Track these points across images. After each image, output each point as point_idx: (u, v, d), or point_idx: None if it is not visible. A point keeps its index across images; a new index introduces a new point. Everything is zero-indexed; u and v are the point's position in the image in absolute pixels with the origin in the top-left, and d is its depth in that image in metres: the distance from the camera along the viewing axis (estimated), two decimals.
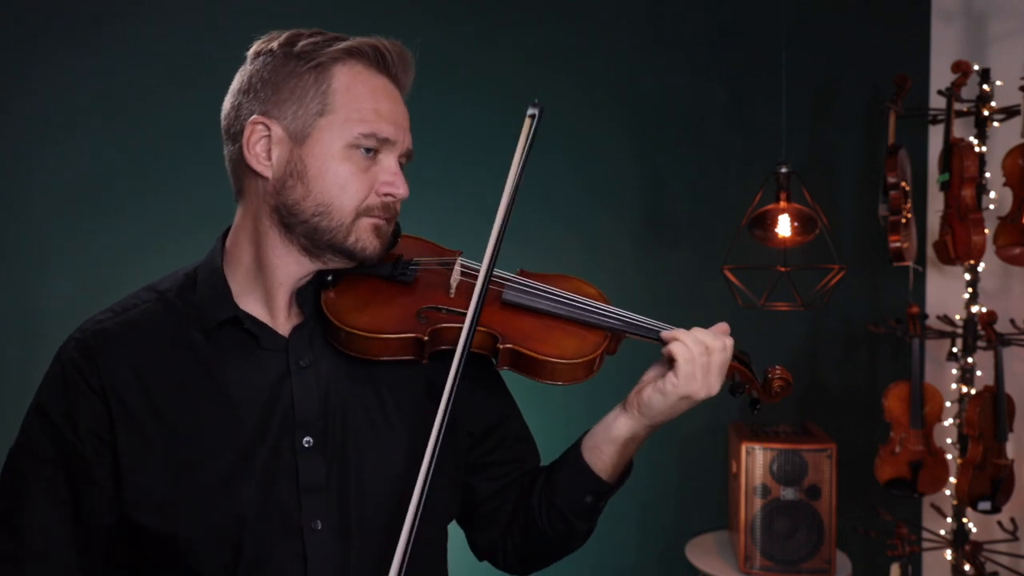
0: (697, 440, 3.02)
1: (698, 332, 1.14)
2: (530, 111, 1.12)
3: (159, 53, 2.61)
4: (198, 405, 1.08)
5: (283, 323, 1.14)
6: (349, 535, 1.09)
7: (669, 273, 3.00)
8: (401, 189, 1.13)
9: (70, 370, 1.08)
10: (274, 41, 1.11)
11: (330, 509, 1.09)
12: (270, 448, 1.08)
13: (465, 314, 1.08)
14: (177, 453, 1.06)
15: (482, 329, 1.11)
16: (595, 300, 1.19)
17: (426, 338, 1.09)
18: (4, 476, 1.10)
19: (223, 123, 1.13)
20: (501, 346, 1.10)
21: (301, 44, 1.09)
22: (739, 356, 1.19)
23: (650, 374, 1.18)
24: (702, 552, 2.79)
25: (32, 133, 2.56)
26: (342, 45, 1.10)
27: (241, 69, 1.13)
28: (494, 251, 1.10)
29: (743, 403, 2.98)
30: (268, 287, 1.13)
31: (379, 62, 1.12)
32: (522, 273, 1.22)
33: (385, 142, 1.11)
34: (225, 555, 1.05)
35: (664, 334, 1.15)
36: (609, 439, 1.17)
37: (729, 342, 1.15)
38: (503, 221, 1.11)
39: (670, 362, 1.13)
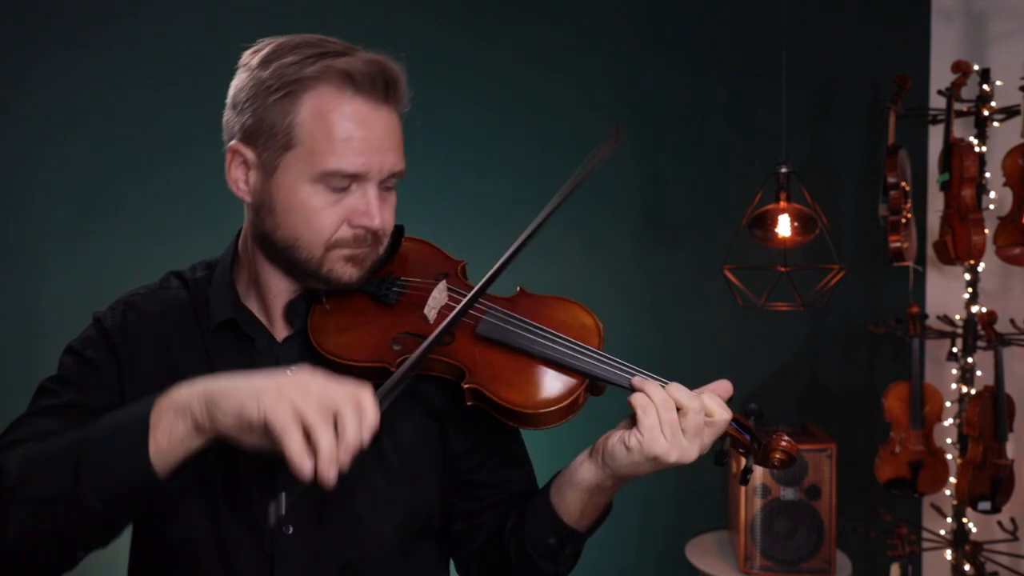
0: None
1: (673, 388, 1.02)
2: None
3: (159, 53, 2.61)
4: None
5: (280, 330, 1.16)
6: (321, 542, 1.10)
7: (669, 273, 3.00)
8: (376, 221, 1.08)
9: (101, 330, 1.15)
10: (257, 55, 1.08)
11: (305, 516, 1.10)
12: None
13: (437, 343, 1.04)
14: None
15: (451, 360, 1.07)
16: (588, 331, 1.11)
17: (394, 369, 1.05)
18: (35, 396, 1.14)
19: (223, 133, 1.14)
20: (465, 385, 1.05)
21: (273, 68, 1.05)
22: (740, 422, 1.07)
23: (624, 422, 1.07)
24: (702, 552, 2.79)
25: (32, 133, 2.56)
26: (311, 70, 1.04)
27: (233, 79, 1.12)
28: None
29: (743, 399, 2.98)
30: (264, 296, 1.16)
31: (351, 83, 1.05)
32: (521, 292, 1.17)
33: (355, 176, 1.06)
34: (195, 549, 1.09)
35: (634, 381, 1.04)
36: (572, 483, 1.09)
37: (720, 414, 1.02)
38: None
39: (634, 415, 1.02)
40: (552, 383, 1.06)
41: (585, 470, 1.08)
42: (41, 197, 2.58)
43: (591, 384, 1.07)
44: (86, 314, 1.19)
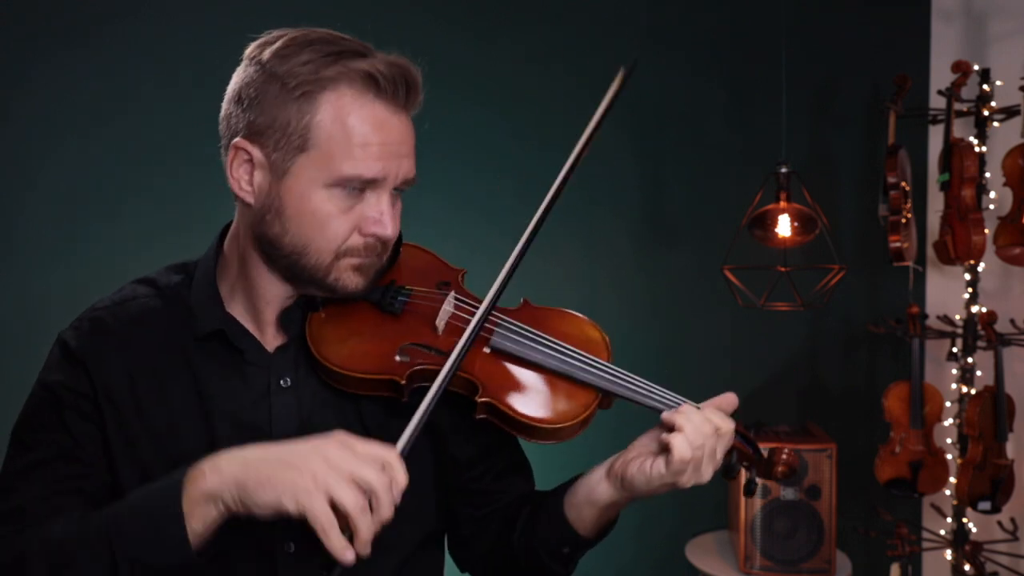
0: None
1: (707, 415, 1.02)
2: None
3: (159, 53, 2.61)
4: (180, 414, 1.07)
5: (270, 338, 1.11)
6: (321, 557, 1.08)
7: (669, 273, 3.00)
8: (388, 230, 1.04)
9: (67, 353, 1.08)
10: (268, 48, 1.03)
11: (305, 534, 1.04)
12: None
13: (448, 355, 1.02)
14: (153, 458, 1.06)
15: (463, 375, 1.04)
16: (596, 344, 1.11)
17: (403, 382, 1.03)
18: (8, 448, 1.09)
19: (219, 127, 1.09)
20: (479, 399, 1.03)
21: (289, 65, 1.01)
22: (741, 432, 1.08)
23: (641, 443, 1.08)
24: (702, 552, 2.79)
25: (32, 133, 2.56)
26: (331, 71, 1.01)
27: (237, 71, 1.07)
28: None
29: (743, 399, 2.98)
30: (255, 302, 1.11)
31: (372, 87, 1.02)
32: (525, 304, 1.15)
33: (372, 182, 1.03)
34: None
35: (666, 416, 1.04)
36: (589, 501, 1.10)
37: (725, 426, 1.04)
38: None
39: (664, 448, 1.02)
40: (568, 398, 1.06)
41: (602, 490, 1.09)
42: (41, 197, 2.58)
43: (603, 399, 1.07)
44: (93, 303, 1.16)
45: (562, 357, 1.07)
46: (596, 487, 1.09)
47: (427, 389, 1.01)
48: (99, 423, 1.06)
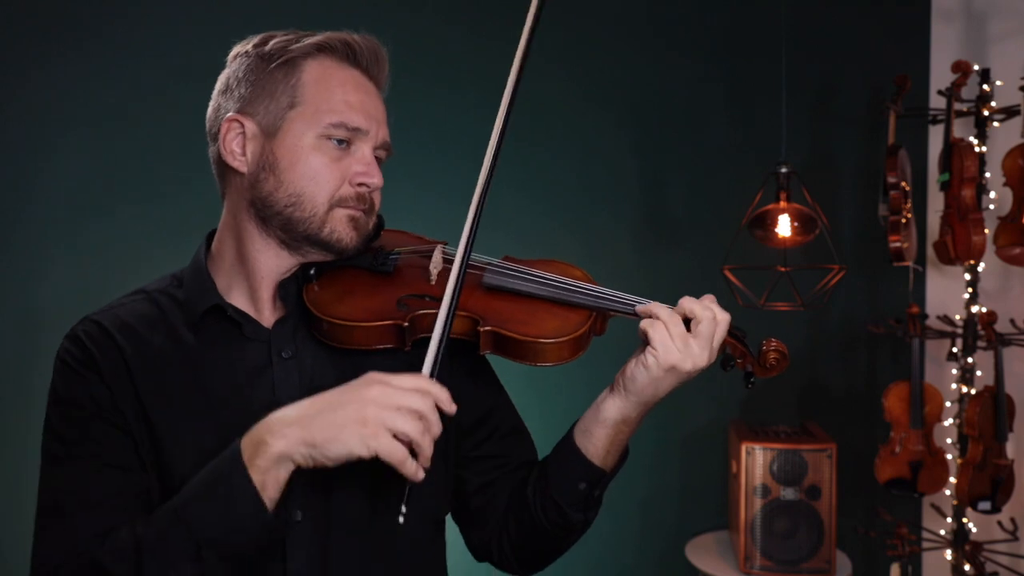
0: (697, 440, 3.02)
1: (685, 301, 1.11)
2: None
3: (159, 53, 2.62)
4: (182, 402, 1.08)
5: (268, 316, 1.14)
6: (330, 527, 1.09)
7: (669, 273, 3.00)
8: (375, 178, 1.12)
9: (69, 361, 1.09)
10: (249, 43, 1.14)
11: (312, 501, 1.09)
12: None
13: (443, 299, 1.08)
14: (159, 452, 1.07)
15: (462, 313, 1.10)
16: (579, 281, 1.17)
17: (406, 324, 1.08)
18: (44, 467, 1.09)
19: (207, 125, 1.16)
20: (482, 328, 1.09)
21: (272, 43, 1.12)
22: (733, 331, 1.15)
23: (637, 351, 1.13)
24: (702, 552, 2.79)
25: (32, 133, 2.56)
26: (311, 40, 1.12)
27: (222, 72, 1.16)
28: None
29: (743, 399, 2.98)
30: (252, 282, 1.14)
31: (349, 56, 1.13)
32: (507, 259, 1.21)
33: (357, 132, 1.11)
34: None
35: (639, 308, 1.11)
36: (598, 421, 1.14)
37: (721, 313, 1.10)
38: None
39: (646, 336, 1.09)
40: (563, 319, 1.11)
41: (610, 405, 1.13)
42: (41, 197, 2.58)
43: (595, 321, 1.13)
44: (85, 314, 1.16)
45: (553, 285, 1.14)
46: (603, 404, 1.14)
47: (428, 340, 1.06)
48: (124, 425, 1.07)
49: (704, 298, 1.12)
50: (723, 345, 1.13)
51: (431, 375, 1.01)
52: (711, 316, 1.09)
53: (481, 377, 1.25)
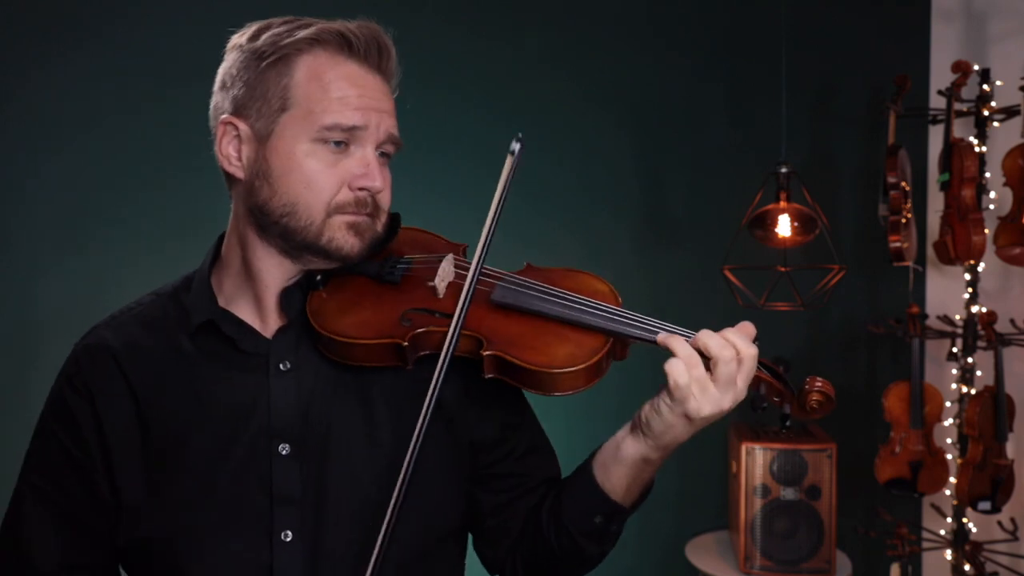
0: (697, 440, 2.99)
1: (702, 337, 0.98)
2: (513, 146, 1.03)
3: (159, 54, 2.61)
4: (182, 415, 1.07)
5: (272, 324, 1.11)
6: (320, 550, 1.05)
7: (669, 273, 3.00)
8: (376, 181, 1.05)
9: (67, 390, 1.09)
10: (244, 35, 1.08)
11: (303, 521, 1.04)
12: (246, 452, 1.05)
13: (450, 317, 1.00)
14: (160, 467, 1.06)
15: (467, 332, 1.02)
16: (604, 297, 1.08)
17: (406, 344, 1.01)
18: (11, 500, 1.11)
19: (210, 120, 1.11)
20: (484, 352, 1.00)
21: (264, 38, 1.05)
22: (766, 364, 1.03)
23: (659, 390, 1.04)
24: (702, 552, 2.79)
25: (31, 134, 2.56)
26: (303, 34, 1.04)
27: (221, 65, 1.10)
28: (482, 251, 1.03)
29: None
30: (257, 290, 1.10)
31: (345, 48, 1.05)
32: (528, 267, 1.14)
33: (354, 130, 1.04)
34: (191, 559, 1.04)
35: (660, 338, 1.00)
36: (617, 459, 1.07)
37: (746, 350, 0.98)
38: (491, 224, 1.04)
39: (665, 374, 0.99)
40: (575, 343, 1.02)
41: (628, 444, 1.06)
42: (41, 198, 2.58)
43: (614, 346, 1.03)
44: (84, 320, 1.16)
45: (566, 303, 1.05)
46: (622, 443, 1.07)
47: (433, 357, 1.00)
48: (100, 447, 1.07)
49: (725, 332, 0.99)
50: (756, 380, 1.01)
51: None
52: (731, 356, 0.97)
53: (496, 394, 1.14)
